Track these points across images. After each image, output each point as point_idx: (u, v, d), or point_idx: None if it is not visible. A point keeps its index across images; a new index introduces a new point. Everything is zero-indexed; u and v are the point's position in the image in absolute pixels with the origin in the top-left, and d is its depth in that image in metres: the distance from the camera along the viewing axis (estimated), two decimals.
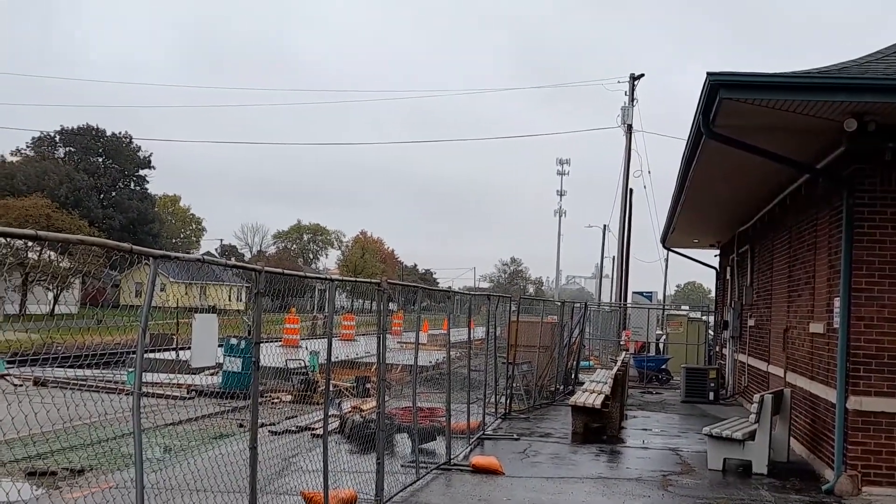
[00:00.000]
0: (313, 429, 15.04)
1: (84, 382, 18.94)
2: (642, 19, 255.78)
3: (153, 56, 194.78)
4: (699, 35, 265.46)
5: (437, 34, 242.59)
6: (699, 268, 32.72)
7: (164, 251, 6.33)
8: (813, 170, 13.35)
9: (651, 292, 43.33)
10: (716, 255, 32.38)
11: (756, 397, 13.68)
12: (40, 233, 4.90)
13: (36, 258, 56.67)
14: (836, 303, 12.02)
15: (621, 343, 33.86)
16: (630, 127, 41.66)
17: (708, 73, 10.87)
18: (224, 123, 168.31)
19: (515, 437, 15.94)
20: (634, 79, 42.21)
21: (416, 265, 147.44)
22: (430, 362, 26.11)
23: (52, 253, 55.01)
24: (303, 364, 21.08)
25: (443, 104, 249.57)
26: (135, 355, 6.09)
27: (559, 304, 26.07)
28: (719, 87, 10.79)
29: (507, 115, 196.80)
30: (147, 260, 6.09)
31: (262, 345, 7.70)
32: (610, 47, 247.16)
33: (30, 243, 51.52)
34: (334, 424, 14.59)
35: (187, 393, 21.17)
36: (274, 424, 16.13)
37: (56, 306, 58.10)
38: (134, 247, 5.78)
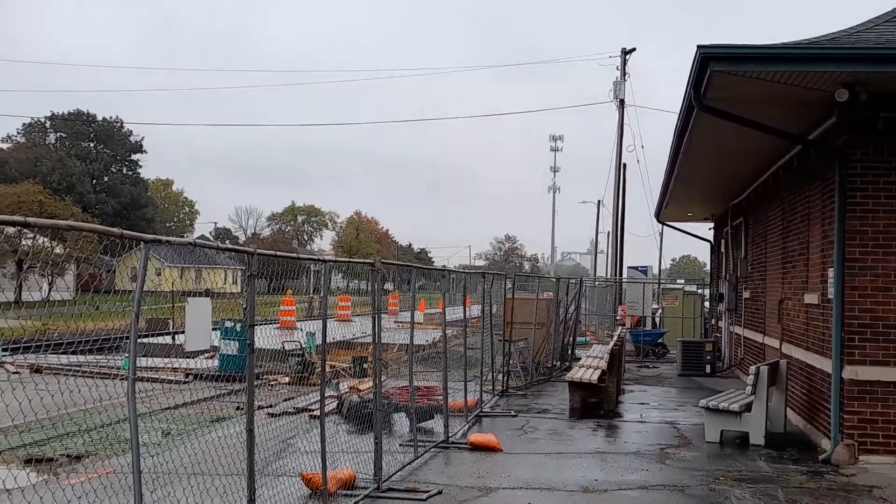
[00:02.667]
0: (311, 410, 15.05)
1: (79, 368, 18.92)
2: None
3: (112, 42, 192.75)
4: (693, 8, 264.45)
5: (410, 13, 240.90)
6: (694, 241, 32.83)
7: (155, 235, 6.30)
8: (805, 141, 13.33)
9: (646, 267, 43.42)
10: (710, 229, 32.40)
11: (752, 369, 13.73)
12: (30, 219, 4.86)
13: (29, 245, 56.53)
14: (830, 273, 12.04)
15: (617, 318, 33.92)
16: (622, 102, 41.63)
17: (698, 46, 10.84)
18: (202, 107, 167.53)
19: (513, 413, 15.97)
20: (626, 53, 42.13)
21: (411, 244, 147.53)
22: (427, 341, 26.11)
23: (45, 239, 54.93)
24: (299, 346, 21.07)
25: (423, 83, 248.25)
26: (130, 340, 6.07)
27: (554, 280, 26.09)
28: (710, 60, 10.76)
29: (495, 94, 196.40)
30: (139, 245, 6.08)
31: (258, 327, 7.69)
32: (601, 24, 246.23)
33: (23, 230, 51.37)
34: (332, 405, 14.62)
35: (184, 377, 21.17)
36: (272, 406, 16.15)
37: (51, 293, 58.00)
38: (125, 231, 5.76)
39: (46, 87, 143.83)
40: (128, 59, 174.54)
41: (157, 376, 20.07)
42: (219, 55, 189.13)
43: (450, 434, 13.08)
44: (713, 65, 10.76)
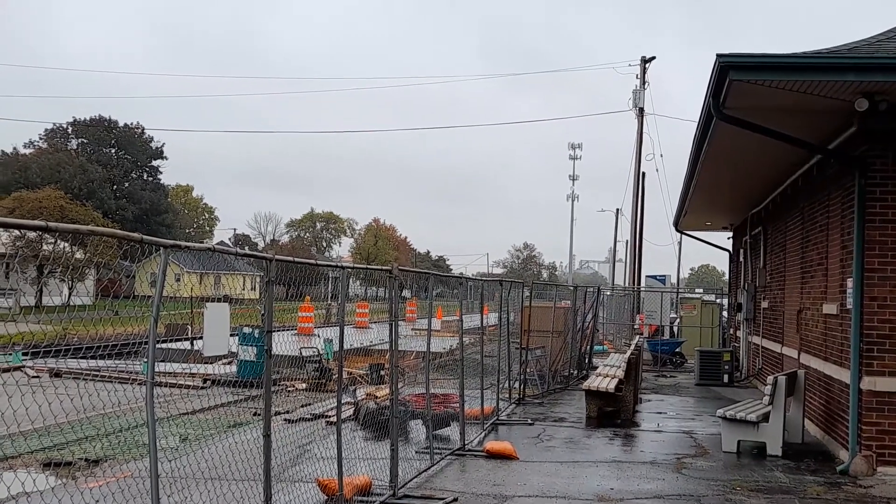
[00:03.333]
0: (328, 416, 15.09)
1: (98, 373, 19.03)
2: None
3: (125, 49, 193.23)
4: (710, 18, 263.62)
5: (422, 22, 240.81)
6: (712, 250, 32.68)
7: (174, 241, 6.35)
8: (824, 150, 13.29)
9: (664, 275, 43.23)
10: (729, 238, 32.29)
11: (770, 379, 13.67)
12: (51, 224, 4.91)
13: (50, 249, 56.92)
14: (849, 283, 11.99)
15: (635, 327, 33.82)
16: (642, 110, 41.57)
17: (718, 55, 10.83)
18: (217, 113, 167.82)
19: (529, 422, 15.96)
20: (645, 62, 42.06)
21: (429, 252, 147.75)
22: (444, 349, 26.12)
23: (65, 245, 55.29)
24: (317, 352, 21.13)
25: (439, 91, 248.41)
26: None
27: (572, 288, 26.06)
28: (729, 69, 10.75)
29: (513, 102, 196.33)
30: (159, 250, 6.13)
31: (276, 333, 7.73)
32: (618, 32, 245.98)
33: (44, 235, 51.75)
34: (349, 412, 14.65)
35: (203, 382, 21.26)
36: (289, 412, 16.20)
37: (71, 297, 58.36)
38: (144, 237, 5.80)
39: (64, 93, 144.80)
40: (147, 67, 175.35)
41: (175, 381, 20.17)
42: (234, 63, 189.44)
43: (466, 441, 13.08)
44: (732, 74, 10.75)
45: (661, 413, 17.91)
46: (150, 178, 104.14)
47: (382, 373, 21.39)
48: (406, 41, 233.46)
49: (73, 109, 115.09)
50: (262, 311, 7.82)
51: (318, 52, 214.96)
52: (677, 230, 32.58)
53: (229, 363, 22.81)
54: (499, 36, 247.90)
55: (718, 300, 37.38)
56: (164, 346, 26.70)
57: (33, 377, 20.14)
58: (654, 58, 42.30)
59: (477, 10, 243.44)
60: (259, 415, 12.49)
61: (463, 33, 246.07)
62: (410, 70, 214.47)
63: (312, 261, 9.44)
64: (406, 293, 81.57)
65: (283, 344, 11.08)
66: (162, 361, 23.42)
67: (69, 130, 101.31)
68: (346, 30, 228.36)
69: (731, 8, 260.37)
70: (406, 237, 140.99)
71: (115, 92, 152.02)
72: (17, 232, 49.69)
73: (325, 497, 9.57)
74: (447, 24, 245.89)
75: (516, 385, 18.98)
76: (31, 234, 53.62)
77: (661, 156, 72.19)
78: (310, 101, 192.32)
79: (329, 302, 41.36)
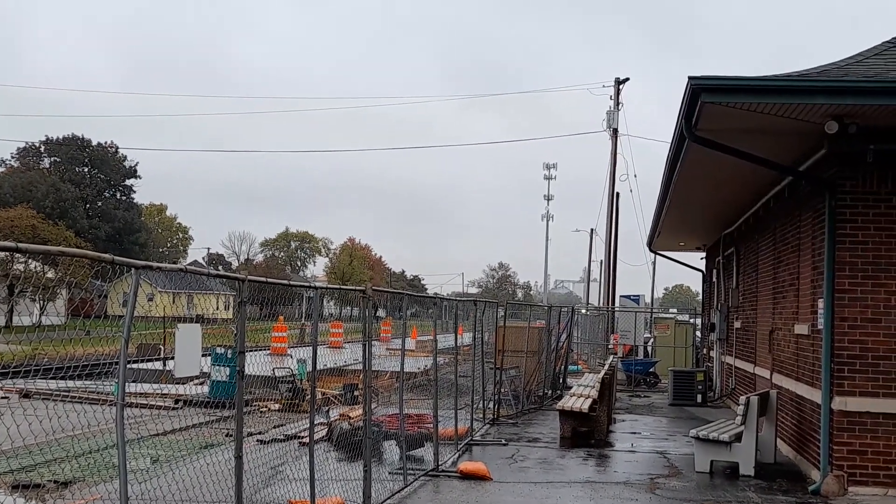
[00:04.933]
0: (301, 437, 15.01)
1: (68, 394, 18.86)
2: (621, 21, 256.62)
3: (95, 69, 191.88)
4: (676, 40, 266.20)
5: (389, 43, 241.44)
6: (686, 271, 32.89)
7: (146, 262, 6.32)
8: (795, 172, 13.42)
9: (638, 296, 43.40)
10: (702, 258, 32.49)
11: (742, 399, 13.73)
12: (21, 245, 4.89)
13: (21, 269, 56.50)
14: (820, 304, 12.08)
15: (609, 347, 33.90)
16: (615, 131, 41.76)
17: (690, 77, 10.93)
18: (189, 133, 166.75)
19: (504, 442, 15.94)
20: (619, 83, 42.31)
21: (403, 271, 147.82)
22: (419, 368, 26.07)
23: (36, 264, 54.87)
24: (290, 372, 21.04)
25: (412, 112, 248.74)
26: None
27: (547, 308, 26.10)
28: (701, 91, 10.84)
29: (485, 123, 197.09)
30: (130, 270, 6.09)
31: (249, 354, 7.69)
32: (592, 51, 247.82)
33: (15, 255, 51.39)
34: (322, 432, 14.57)
35: (174, 403, 21.11)
36: (262, 433, 16.10)
37: (42, 317, 57.87)
38: (115, 258, 5.77)
39: (38, 112, 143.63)
40: (120, 87, 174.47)
41: (146, 402, 20.00)
42: (202, 82, 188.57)
43: (440, 462, 13.05)
44: (704, 96, 10.84)
45: (635, 433, 17.93)
46: (124, 198, 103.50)
47: (356, 393, 21.31)
48: (374, 62, 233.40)
49: (45, 129, 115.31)
50: (235, 332, 7.78)
51: (287, 73, 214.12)
52: (651, 250, 32.76)
53: (202, 383, 22.67)
54: (467, 56, 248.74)
55: (692, 320, 37.54)
56: (135, 366, 26.50)
57: (2, 398, 19.92)
58: (627, 79, 42.53)
59: (444, 30, 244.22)
60: (231, 436, 12.41)
61: (430, 55, 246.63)
62: (382, 90, 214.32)
63: (286, 281, 9.41)
64: (381, 312, 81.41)
65: (257, 364, 11.05)
66: (133, 382, 23.22)
67: (41, 149, 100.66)
68: (318, 50, 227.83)
69: (699, 28, 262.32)
70: (381, 257, 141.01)
71: (86, 111, 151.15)
72: None
73: None
74: (413, 45, 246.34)
75: (490, 405, 18.96)
76: (1, 254, 53.23)
77: (636, 176, 72.68)
78: (282, 121, 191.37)
79: (303, 322, 41.25)
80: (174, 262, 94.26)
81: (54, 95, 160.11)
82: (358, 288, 10.70)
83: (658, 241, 28.36)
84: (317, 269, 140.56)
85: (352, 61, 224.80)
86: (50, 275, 47.97)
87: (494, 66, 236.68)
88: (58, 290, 50.12)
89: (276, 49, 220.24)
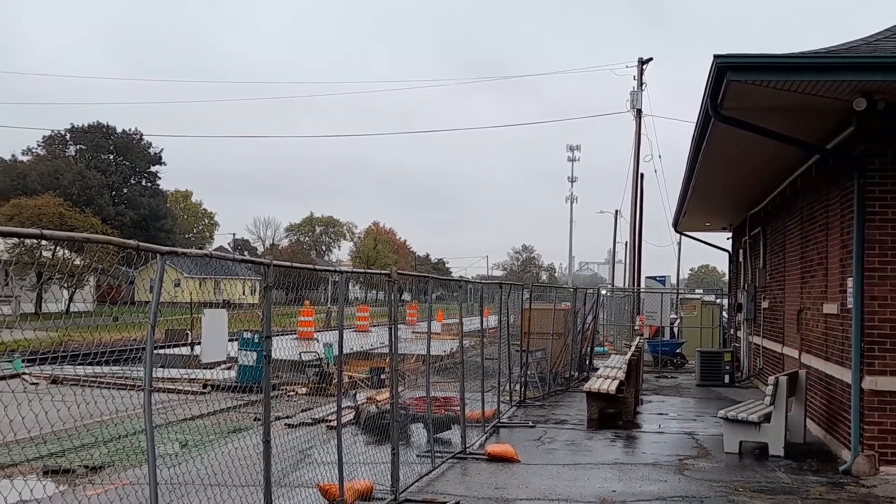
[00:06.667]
0: (329, 421, 15.06)
1: (96, 380, 19.00)
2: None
3: (118, 57, 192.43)
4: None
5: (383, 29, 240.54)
6: (712, 251, 32.70)
7: (171, 248, 6.33)
8: (823, 150, 13.28)
9: (664, 276, 43.15)
10: (728, 238, 32.27)
11: (771, 379, 13.64)
12: (45, 231, 4.90)
13: (50, 256, 56.95)
14: (850, 283, 11.96)
15: (635, 328, 33.78)
16: (640, 111, 41.49)
17: (715, 56, 10.82)
18: (213, 120, 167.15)
19: (531, 424, 15.93)
20: (643, 63, 42.01)
21: (428, 255, 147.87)
22: (445, 351, 26.10)
23: (64, 251, 55.26)
24: (317, 356, 21.10)
25: (433, 96, 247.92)
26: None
27: (572, 290, 26.03)
28: (727, 70, 10.73)
29: (508, 106, 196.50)
30: (156, 257, 6.11)
31: (276, 338, 7.70)
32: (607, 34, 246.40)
33: (42, 242, 51.84)
34: (349, 416, 14.62)
35: (203, 388, 21.23)
36: (290, 417, 16.17)
37: (71, 304, 58.35)
38: (140, 244, 5.78)
39: (54, 100, 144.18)
40: (143, 74, 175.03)
41: (174, 387, 20.13)
42: (207, 71, 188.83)
43: (467, 445, 13.06)
44: (730, 74, 10.72)
45: (662, 414, 17.88)
46: (149, 184, 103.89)
47: (383, 376, 21.36)
48: (386, 46, 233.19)
49: (70, 117, 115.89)
50: (262, 316, 7.80)
51: (301, 64, 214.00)
52: (676, 231, 32.56)
53: (229, 368, 22.79)
54: (483, 45, 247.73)
55: (718, 300, 37.37)
56: (163, 351, 26.67)
57: (32, 384, 20.11)
58: (651, 59, 42.23)
59: (463, 16, 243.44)
60: (259, 420, 12.46)
61: (451, 41, 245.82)
62: (401, 76, 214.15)
63: (310, 265, 9.41)
64: (406, 296, 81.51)
65: (284, 349, 11.07)
66: (161, 367, 23.38)
67: (67, 137, 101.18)
68: (330, 38, 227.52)
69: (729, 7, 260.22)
70: (405, 240, 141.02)
71: (106, 99, 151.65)
72: (15, 239, 49.65)
73: (327, 502, 9.53)
74: (429, 30, 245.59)
75: (517, 387, 18.95)
76: (30, 242, 53.65)
77: (660, 157, 72.31)
78: (302, 108, 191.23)
79: (329, 306, 41.35)
80: (200, 248, 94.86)
81: (73, 83, 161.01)
82: (383, 272, 10.69)
83: (683, 221, 28.19)
84: (342, 253, 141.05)
85: (364, 45, 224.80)
86: (77, 262, 48.31)
87: (526, 51, 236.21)
88: (85, 277, 50.53)
89: (285, 38, 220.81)
